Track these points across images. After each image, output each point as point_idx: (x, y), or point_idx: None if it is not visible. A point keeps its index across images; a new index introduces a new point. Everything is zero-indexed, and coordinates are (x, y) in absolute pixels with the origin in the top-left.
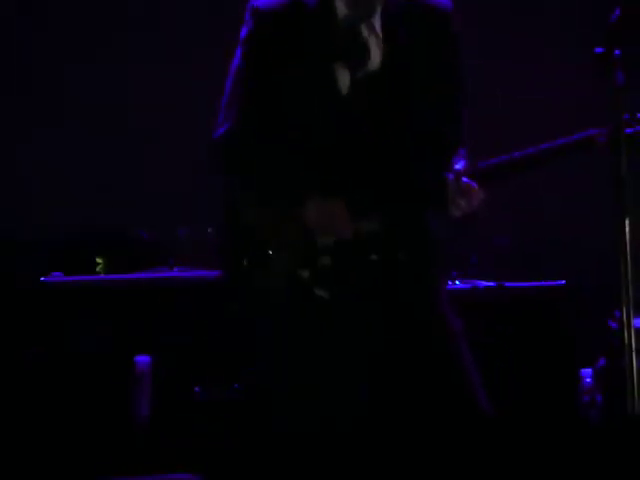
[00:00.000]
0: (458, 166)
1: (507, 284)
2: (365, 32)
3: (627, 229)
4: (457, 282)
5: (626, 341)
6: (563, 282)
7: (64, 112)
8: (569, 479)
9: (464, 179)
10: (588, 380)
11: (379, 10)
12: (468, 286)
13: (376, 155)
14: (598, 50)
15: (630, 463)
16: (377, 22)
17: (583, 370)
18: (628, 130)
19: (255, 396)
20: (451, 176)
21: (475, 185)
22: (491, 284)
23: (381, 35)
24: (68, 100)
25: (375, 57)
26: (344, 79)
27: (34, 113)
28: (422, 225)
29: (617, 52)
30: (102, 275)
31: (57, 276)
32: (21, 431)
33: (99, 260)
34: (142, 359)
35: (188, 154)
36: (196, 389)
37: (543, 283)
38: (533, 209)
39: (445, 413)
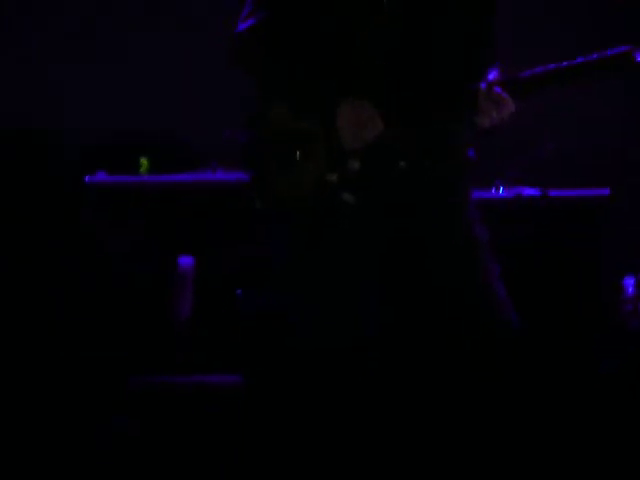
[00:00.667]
0: (491, 76)
1: (551, 192)
2: None
3: None
4: (501, 190)
5: None
6: (607, 191)
7: (111, 12)
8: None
9: (496, 89)
10: (630, 289)
11: None
12: (512, 194)
13: (409, 66)
14: None
15: None
16: None
17: (626, 279)
18: None
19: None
20: (483, 85)
21: (507, 96)
22: (535, 192)
23: None
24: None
25: None
26: None
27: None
28: (451, 133)
29: None
30: (146, 176)
31: (101, 176)
32: (64, 327)
33: (143, 161)
34: (185, 260)
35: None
36: (238, 292)
37: (587, 191)
38: (578, 117)
39: (459, 325)
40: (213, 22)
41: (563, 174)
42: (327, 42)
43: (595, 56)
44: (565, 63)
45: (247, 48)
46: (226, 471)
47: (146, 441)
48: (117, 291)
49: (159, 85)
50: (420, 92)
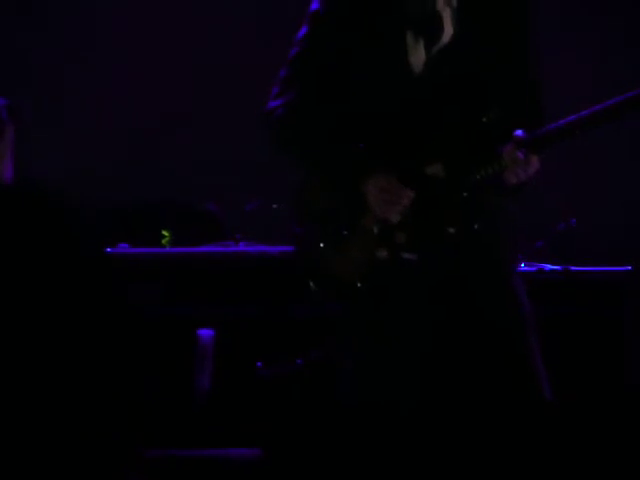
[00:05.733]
0: (517, 133)
1: (573, 268)
2: (439, 4)
3: None
4: (523, 265)
5: None
6: (629, 268)
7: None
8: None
9: (521, 147)
10: None
11: None
12: (534, 269)
13: (446, 130)
14: None
15: None
16: None
17: None
18: None
19: (321, 372)
20: (510, 144)
21: (532, 154)
22: (557, 267)
23: (456, 5)
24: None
25: (448, 30)
26: (417, 55)
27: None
28: (491, 196)
29: None
30: (168, 248)
31: (123, 247)
32: (82, 400)
33: (165, 233)
34: (205, 332)
35: (259, 128)
36: (258, 364)
37: (609, 268)
38: (598, 193)
39: (504, 397)
40: (239, 94)
41: (585, 250)
42: (356, 123)
43: (613, 100)
44: (584, 112)
45: (277, 128)
46: None
47: None
48: (136, 362)
49: (182, 157)
50: (459, 156)
